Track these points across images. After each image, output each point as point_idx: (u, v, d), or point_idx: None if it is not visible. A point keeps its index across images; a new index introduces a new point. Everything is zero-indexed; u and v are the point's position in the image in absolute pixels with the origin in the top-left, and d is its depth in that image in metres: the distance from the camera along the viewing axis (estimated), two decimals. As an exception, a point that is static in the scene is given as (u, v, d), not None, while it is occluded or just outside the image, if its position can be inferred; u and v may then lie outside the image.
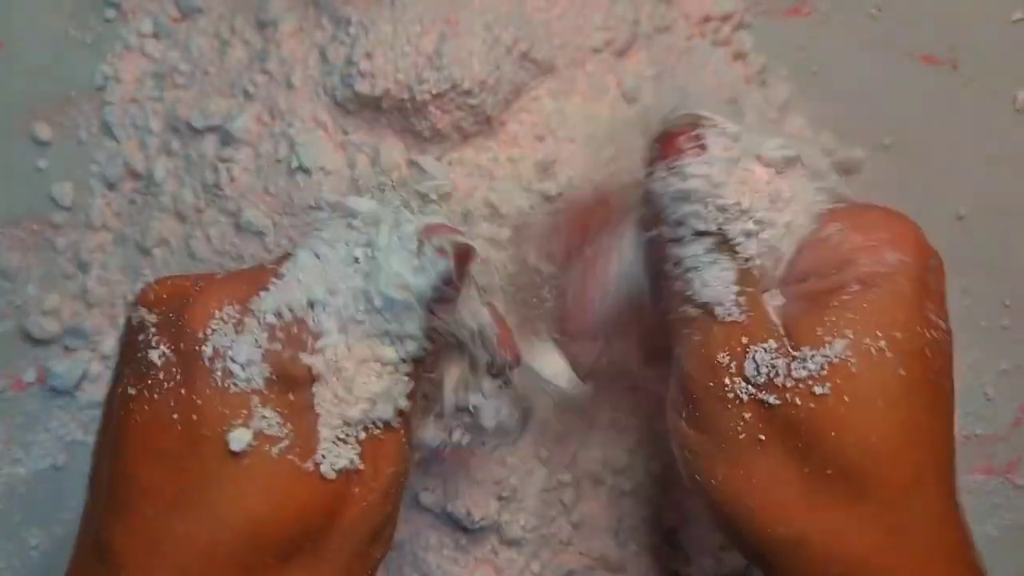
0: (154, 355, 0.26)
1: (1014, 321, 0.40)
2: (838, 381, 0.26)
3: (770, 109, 0.40)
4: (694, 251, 0.27)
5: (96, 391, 0.41)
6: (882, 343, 0.26)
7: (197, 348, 0.26)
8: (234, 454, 0.25)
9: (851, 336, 0.26)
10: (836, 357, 0.26)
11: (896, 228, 0.28)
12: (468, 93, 0.34)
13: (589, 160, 0.35)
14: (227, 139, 0.37)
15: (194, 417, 0.25)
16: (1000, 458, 0.41)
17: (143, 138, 0.39)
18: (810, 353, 0.26)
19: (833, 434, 0.26)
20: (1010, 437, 0.41)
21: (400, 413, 0.28)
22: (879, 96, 0.40)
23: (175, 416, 0.25)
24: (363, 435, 0.27)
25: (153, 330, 0.27)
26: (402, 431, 0.28)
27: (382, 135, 0.35)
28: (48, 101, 0.40)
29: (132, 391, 0.26)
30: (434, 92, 0.34)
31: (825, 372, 0.26)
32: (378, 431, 0.27)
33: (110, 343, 0.41)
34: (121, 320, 0.38)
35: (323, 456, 0.26)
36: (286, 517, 0.25)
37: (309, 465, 0.26)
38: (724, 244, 0.27)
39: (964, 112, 0.40)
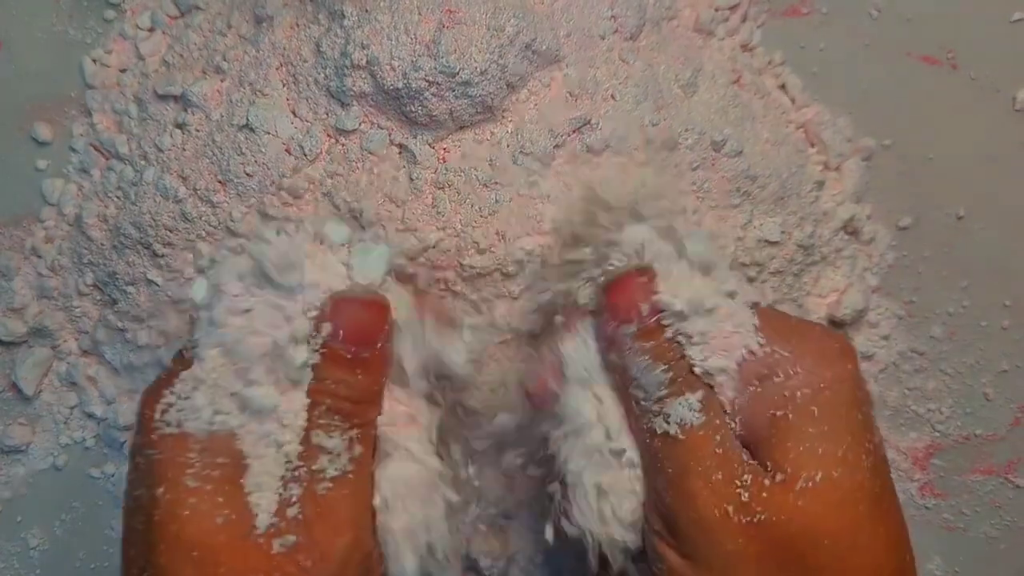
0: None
1: (1014, 321, 0.40)
2: (818, 494, 0.27)
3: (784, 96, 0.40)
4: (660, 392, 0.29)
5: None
6: (848, 445, 0.28)
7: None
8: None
9: (820, 451, 0.27)
10: (812, 474, 0.27)
11: (829, 343, 0.30)
12: (467, 83, 0.34)
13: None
14: (187, 104, 0.37)
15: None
16: (1000, 458, 0.41)
17: (121, 120, 0.40)
18: (787, 471, 0.27)
19: (825, 540, 0.27)
20: (1010, 437, 0.41)
21: (349, 469, 0.28)
22: (879, 96, 0.40)
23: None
24: (297, 499, 0.28)
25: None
26: (355, 491, 0.29)
27: (376, 119, 0.36)
28: (48, 101, 0.40)
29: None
30: (429, 80, 0.34)
31: (808, 486, 0.27)
32: (323, 489, 0.28)
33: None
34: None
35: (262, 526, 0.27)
36: None
37: (255, 538, 0.27)
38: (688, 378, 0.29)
39: (964, 112, 0.40)
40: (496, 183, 0.35)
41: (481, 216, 0.35)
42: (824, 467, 0.27)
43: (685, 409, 0.28)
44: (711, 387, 0.29)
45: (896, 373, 0.41)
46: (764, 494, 0.27)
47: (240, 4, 0.38)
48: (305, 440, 0.29)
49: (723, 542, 0.28)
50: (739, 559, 0.28)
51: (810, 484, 0.27)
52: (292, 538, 0.27)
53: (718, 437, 0.28)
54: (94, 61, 0.40)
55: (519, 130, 0.35)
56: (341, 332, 0.29)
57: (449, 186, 0.35)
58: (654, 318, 0.29)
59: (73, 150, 0.40)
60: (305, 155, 0.36)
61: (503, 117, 0.35)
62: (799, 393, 0.28)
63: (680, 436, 0.28)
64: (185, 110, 0.38)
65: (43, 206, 0.40)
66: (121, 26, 0.40)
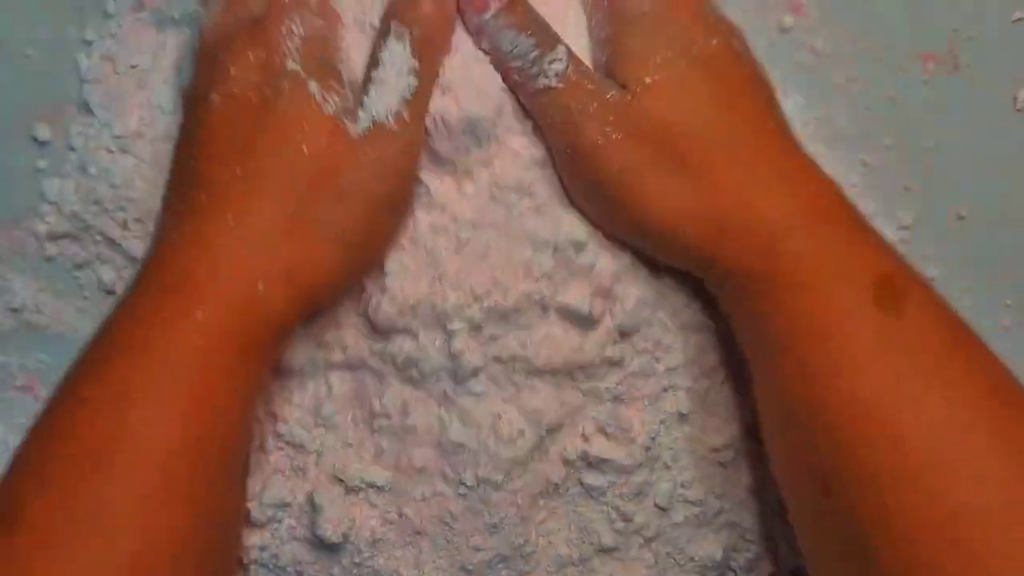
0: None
1: (1014, 321, 0.40)
2: (652, 93, 0.34)
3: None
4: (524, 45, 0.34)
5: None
6: (670, 49, 0.34)
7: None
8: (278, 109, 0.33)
9: (648, 54, 0.34)
10: (643, 79, 0.34)
11: None
12: None
13: None
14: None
15: (266, 91, 0.33)
16: (1000, 458, 0.41)
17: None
18: (631, 86, 0.34)
19: (676, 130, 0.33)
20: (1010, 437, 0.41)
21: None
22: (879, 96, 0.40)
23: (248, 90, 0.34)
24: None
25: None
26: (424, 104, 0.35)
27: None
28: (48, 101, 0.40)
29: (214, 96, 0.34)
30: None
31: (642, 89, 0.34)
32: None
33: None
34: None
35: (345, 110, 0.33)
36: (314, 153, 0.33)
37: (343, 119, 0.33)
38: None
39: (964, 112, 0.40)
40: None
41: None
42: (648, 72, 0.34)
43: (557, 62, 0.34)
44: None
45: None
46: (624, 108, 0.34)
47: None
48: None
49: (612, 161, 0.34)
50: (629, 173, 0.34)
51: (644, 89, 0.34)
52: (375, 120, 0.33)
53: (588, 76, 0.34)
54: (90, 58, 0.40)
55: None
56: None
57: None
58: None
59: (72, 149, 0.40)
60: None
61: None
62: (629, 21, 0.34)
63: (558, 84, 0.34)
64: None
65: (43, 205, 0.40)
66: (121, 25, 0.40)
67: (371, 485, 0.37)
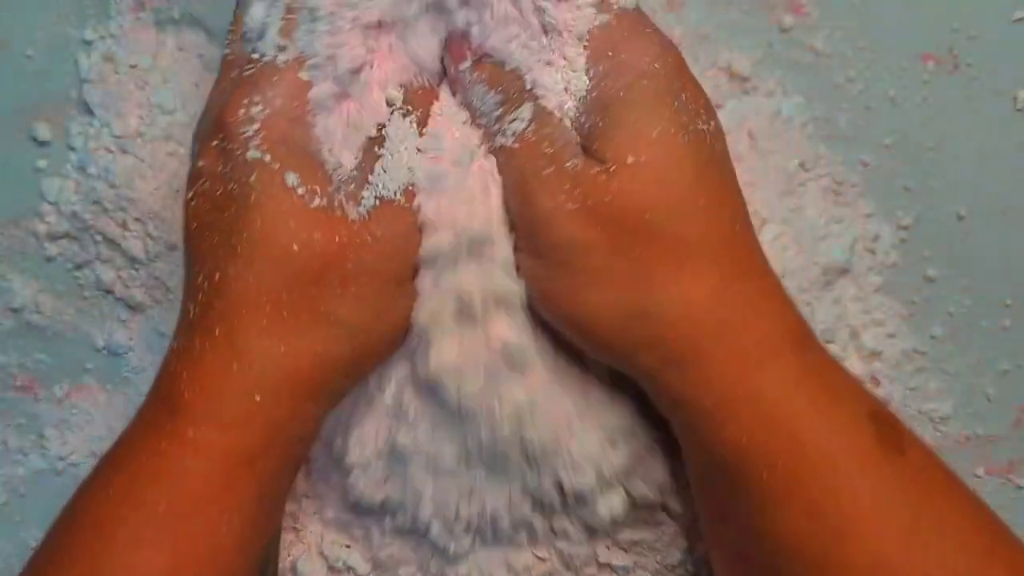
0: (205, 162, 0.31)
1: (1014, 321, 0.40)
2: (635, 173, 0.30)
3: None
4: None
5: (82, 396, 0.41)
6: (668, 127, 0.30)
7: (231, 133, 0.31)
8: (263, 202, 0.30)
9: (641, 129, 0.30)
10: (628, 157, 0.30)
11: (649, 40, 0.32)
12: None
13: None
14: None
15: (232, 186, 0.30)
16: (1000, 458, 0.41)
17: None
18: (611, 159, 0.30)
19: (647, 215, 0.30)
20: (1010, 437, 0.41)
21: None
22: (879, 96, 0.40)
23: (219, 192, 0.31)
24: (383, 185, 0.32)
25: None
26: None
27: None
28: (48, 101, 0.40)
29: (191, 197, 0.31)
30: None
31: (625, 168, 0.30)
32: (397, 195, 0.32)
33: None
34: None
35: (347, 198, 0.31)
36: (306, 249, 0.30)
37: (335, 207, 0.31)
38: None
39: (964, 112, 0.40)
40: None
41: None
42: (639, 150, 0.30)
43: (517, 122, 0.32)
44: (538, 99, 0.32)
45: (898, 373, 0.41)
46: (590, 182, 0.30)
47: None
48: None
49: (559, 232, 0.31)
50: (576, 245, 0.31)
51: (627, 166, 0.30)
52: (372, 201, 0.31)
53: (548, 139, 0.31)
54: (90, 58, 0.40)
55: None
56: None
57: None
58: (482, 53, 0.32)
59: (72, 149, 0.40)
60: None
61: None
62: (619, 87, 0.31)
63: (514, 145, 0.32)
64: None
65: (43, 205, 0.40)
66: (122, 25, 0.40)
67: (350, 569, 0.38)
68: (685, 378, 0.30)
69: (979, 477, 0.41)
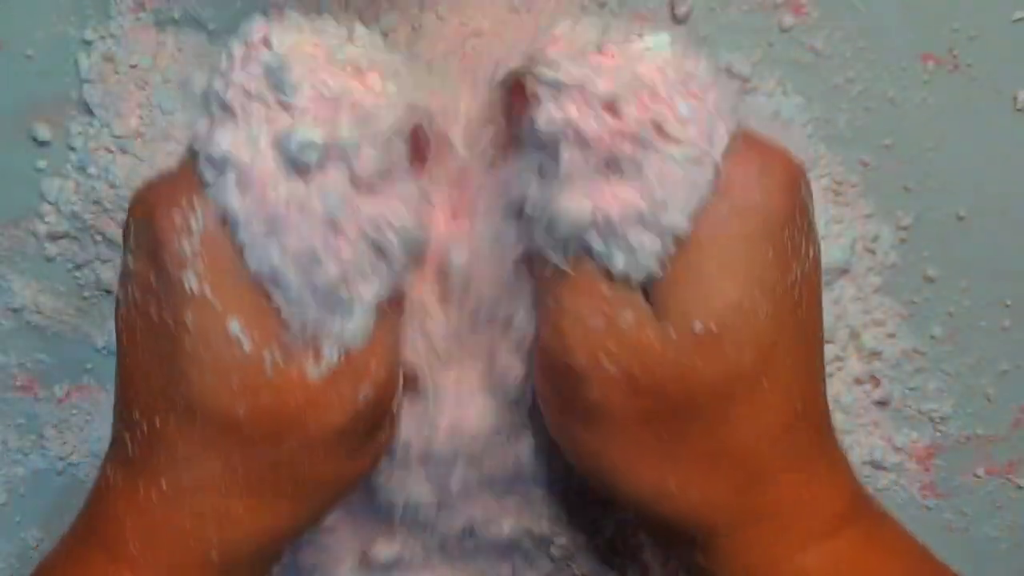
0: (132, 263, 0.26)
1: (1014, 321, 0.40)
2: (698, 343, 0.25)
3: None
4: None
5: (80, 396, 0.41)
6: (749, 291, 0.25)
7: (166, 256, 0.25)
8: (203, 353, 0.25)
9: (717, 287, 0.25)
10: (693, 322, 0.25)
11: (766, 161, 0.26)
12: None
13: None
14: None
15: (165, 315, 0.25)
16: (1001, 458, 0.41)
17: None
18: (673, 316, 0.25)
19: (699, 399, 0.25)
20: (1010, 437, 0.41)
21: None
22: (879, 96, 0.40)
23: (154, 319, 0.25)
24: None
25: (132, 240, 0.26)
26: (395, 323, 0.27)
27: None
28: (48, 101, 0.40)
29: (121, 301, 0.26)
30: None
31: (687, 334, 0.25)
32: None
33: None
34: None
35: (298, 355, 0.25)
36: (253, 414, 0.25)
37: (290, 363, 0.25)
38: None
39: (964, 112, 0.40)
40: None
41: None
42: (710, 316, 0.24)
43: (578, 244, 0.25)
44: None
45: (897, 373, 0.41)
46: (642, 349, 0.25)
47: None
48: None
49: (591, 393, 0.26)
50: (607, 408, 0.26)
51: (692, 335, 0.24)
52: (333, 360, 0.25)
53: (608, 283, 0.25)
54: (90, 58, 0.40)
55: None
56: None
57: None
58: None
59: (72, 149, 0.40)
60: None
61: None
62: (706, 220, 0.25)
63: (567, 271, 0.26)
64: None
65: (43, 205, 0.40)
66: (122, 25, 0.40)
67: None
68: (716, 561, 0.27)
69: (979, 477, 0.41)
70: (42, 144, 0.40)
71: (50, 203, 0.40)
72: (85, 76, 0.40)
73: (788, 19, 0.40)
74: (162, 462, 0.26)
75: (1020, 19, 0.39)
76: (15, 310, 0.41)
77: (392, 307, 0.27)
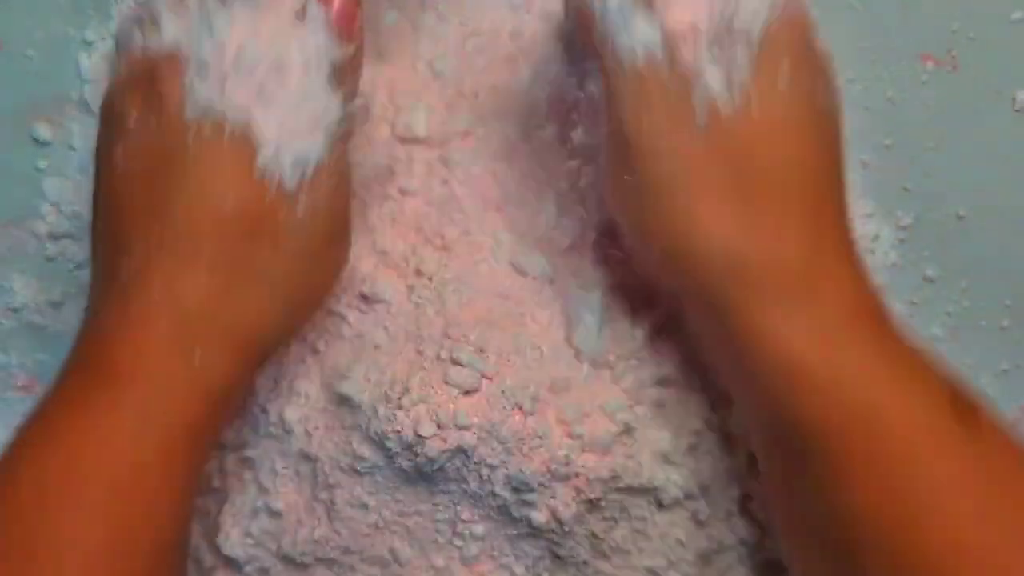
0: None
1: (1014, 321, 0.40)
2: (763, 111, 0.29)
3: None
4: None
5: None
6: (807, 79, 0.30)
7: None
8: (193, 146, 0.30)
9: (781, 79, 0.29)
10: (760, 92, 0.29)
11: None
12: None
13: None
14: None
15: (166, 140, 0.30)
16: (1000, 458, 0.41)
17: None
18: (748, 97, 0.29)
19: (764, 154, 0.29)
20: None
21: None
22: (879, 96, 0.40)
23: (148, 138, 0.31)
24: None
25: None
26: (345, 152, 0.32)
27: None
28: (48, 101, 0.40)
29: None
30: None
31: (754, 105, 0.29)
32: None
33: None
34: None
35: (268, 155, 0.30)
36: (239, 207, 0.30)
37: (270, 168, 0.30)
38: None
39: (964, 112, 0.40)
40: None
41: None
42: (775, 104, 0.29)
43: (648, 34, 0.29)
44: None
45: (896, 373, 0.41)
46: (714, 115, 0.29)
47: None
48: None
49: (671, 160, 0.30)
50: (680, 173, 0.30)
51: (755, 111, 0.29)
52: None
53: (683, 64, 0.29)
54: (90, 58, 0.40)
55: None
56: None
57: None
58: None
59: (72, 149, 0.40)
60: None
61: None
62: (780, 33, 0.30)
63: (639, 64, 0.30)
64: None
65: (43, 205, 0.40)
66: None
67: None
68: (764, 332, 0.30)
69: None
70: (42, 144, 0.40)
71: (50, 203, 0.40)
72: (85, 76, 0.40)
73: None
74: (155, 271, 0.30)
75: (1020, 19, 0.39)
76: (15, 310, 0.41)
77: (342, 137, 0.32)
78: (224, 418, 0.33)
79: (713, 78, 0.29)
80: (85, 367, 0.31)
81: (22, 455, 0.31)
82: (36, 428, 0.31)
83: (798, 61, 0.30)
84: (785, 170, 0.30)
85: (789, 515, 0.32)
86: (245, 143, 0.30)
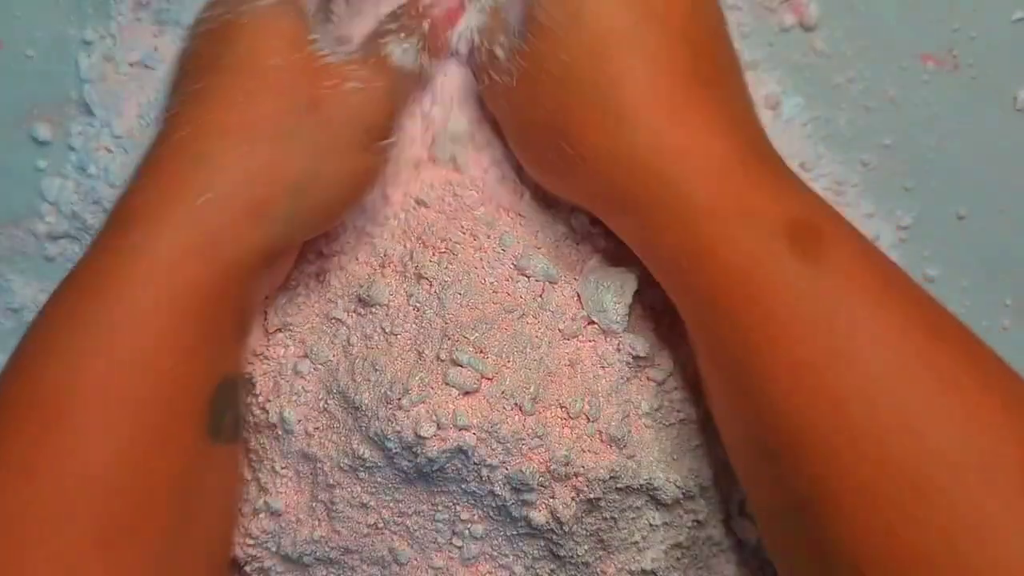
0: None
1: (1014, 321, 0.40)
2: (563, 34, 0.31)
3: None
4: None
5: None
6: None
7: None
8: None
9: None
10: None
11: None
12: None
13: None
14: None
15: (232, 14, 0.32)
16: (1000, 458, 0.41)
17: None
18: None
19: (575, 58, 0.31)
20: (1010, 437, 0.41)
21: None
22: (879, 96, 0.40)
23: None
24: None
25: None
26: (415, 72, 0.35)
27: None
28: (48, 101, 0.40)
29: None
30: None
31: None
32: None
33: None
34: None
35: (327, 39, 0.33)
36: (286, 65, 0.31)
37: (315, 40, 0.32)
38: None
39: (964, 112, 0.40)
40: None
41: None
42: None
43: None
44: None
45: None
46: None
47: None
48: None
49: (539, 106, 0.32)
50: (559, 113, 0.32)
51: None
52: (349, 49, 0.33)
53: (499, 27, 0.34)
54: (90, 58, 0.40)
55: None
56: None
57: None
58: None
59: (72, 149, 0.40)
60: None
61: None
62: None
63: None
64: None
65: (43, 205, 0.40)
66: (122, 25, 0.40)
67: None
68: (638, 186, 0.31)
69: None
70: (42, 144, 0.40)
71: (50, 203, 0.40)
72: (85, 76, 0.40)
73: (788, 19, 0.40)
74: (186, 118, 0.31)
75: (1020, 19, 0.39)
76: (15, 310, 0.41)
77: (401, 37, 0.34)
78: (239, 293, 0.32)
79: None
80: (120, 215, 0.31)
81: (47, 305, 0.31)
82: (67, 277, 0.32)
83: None
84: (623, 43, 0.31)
85: (721, 415, 0.33)
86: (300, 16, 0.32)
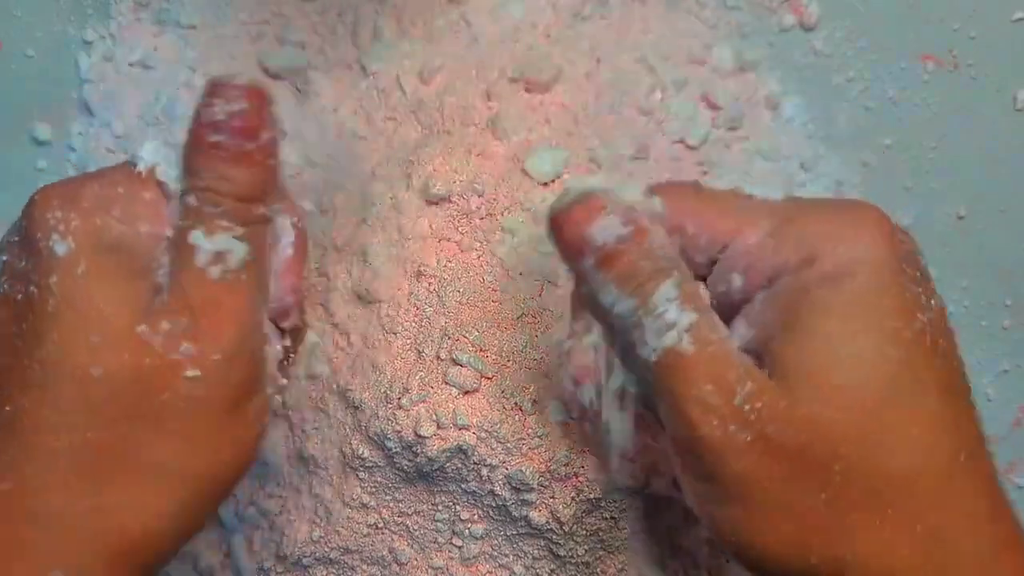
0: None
1: (1014, 321, 0.40)
2: (827, 400, 0.24)
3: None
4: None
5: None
6: (872, 340, 0.25)
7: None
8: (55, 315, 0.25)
9: (837, 342, 0.25)
10: (819, 379, 0.24)
11: (856, 215, 0.27)
12: None
13: None
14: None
15: (31, 289, 0.25)
16: (1000, 458, 0.41)
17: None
18: (794, 377, 0.25)
19: (841, 449, 0.24)
20: (1010, 437, 0.41)
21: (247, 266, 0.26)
22: (879, 96, 0.40)
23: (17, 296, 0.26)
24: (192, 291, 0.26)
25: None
26: (247, 287, 0.27)
27: None
28: (48, 101, 0.40)
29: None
30: None
31: (816, 393, 0.24)
32: (214, 286, 0.26)
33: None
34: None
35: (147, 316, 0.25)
36: (110, 374, 0.25)
37: (141, 328, 0.25)
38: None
39: (964, 112, 0.40)
40: None
41: None
42: (832, 369, 0.24)
43: (665, 331, 0.25)
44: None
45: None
46: (767, 407, 0.24)
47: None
48: (180, 238, 0.26)
49: (731, 463, 0.25)
50: (751, 478, 0.25)
51: (816, 388, 0.24)
52: (183, 321, 0.25)
53: (707, 353, 0.25)
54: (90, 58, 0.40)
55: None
56: (219, 117, 0.26)
57: None
58: (613, 242, 0.26)
59: (72, 149, 0.40)
60: None
61: None
62: (806, 283, 0.25)
63: (663, 360, 0.25)
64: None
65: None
66: (121, 25, 0.40)
67: None
68: None
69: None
70: (42, 144, 0.40)
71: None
72: (85, 76, 0.40)
73: (788, 19, 0.40)
74: (8, 459, 0.25)
75: (1020, 19, 0.39)
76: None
77: (251, 267, 0.27)
78: None
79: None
80: None
81: None
82: None
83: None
84: (862, 448, 0.25)
85: None
86: (133, 284, 0.26)
